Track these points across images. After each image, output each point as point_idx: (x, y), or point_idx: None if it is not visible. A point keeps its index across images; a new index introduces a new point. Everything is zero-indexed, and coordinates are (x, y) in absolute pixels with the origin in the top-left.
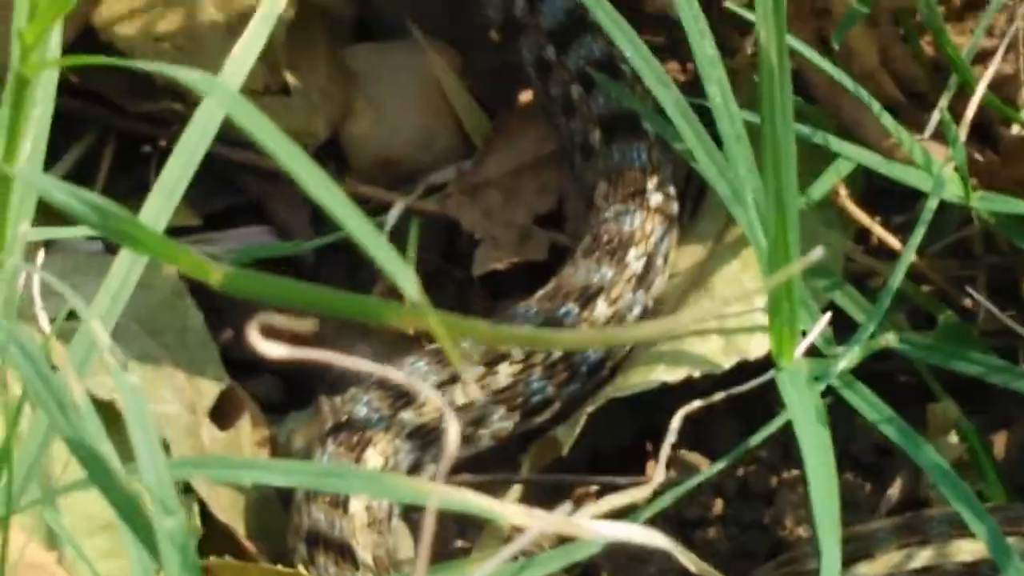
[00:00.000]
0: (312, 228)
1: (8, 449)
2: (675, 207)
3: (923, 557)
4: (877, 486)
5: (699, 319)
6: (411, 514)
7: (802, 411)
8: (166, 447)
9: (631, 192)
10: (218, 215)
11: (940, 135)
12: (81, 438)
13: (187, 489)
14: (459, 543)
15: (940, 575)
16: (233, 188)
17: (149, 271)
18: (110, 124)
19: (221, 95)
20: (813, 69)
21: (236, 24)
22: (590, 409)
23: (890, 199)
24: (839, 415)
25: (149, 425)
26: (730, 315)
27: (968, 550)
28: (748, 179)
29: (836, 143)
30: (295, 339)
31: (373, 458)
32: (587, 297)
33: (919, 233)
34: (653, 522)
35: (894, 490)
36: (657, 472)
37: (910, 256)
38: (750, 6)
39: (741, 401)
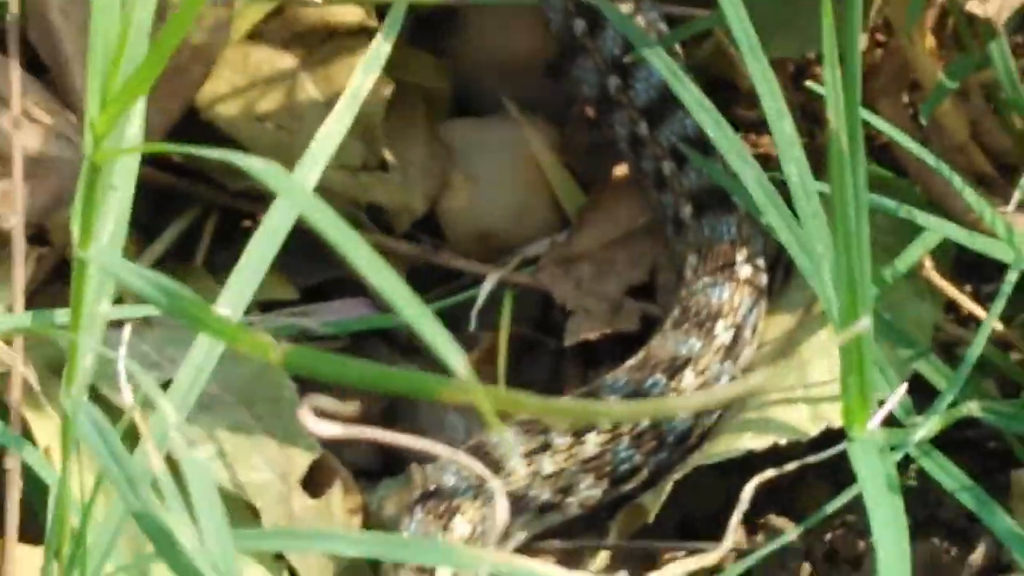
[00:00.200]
0: None
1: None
2: (764, 279)
3: None
4: (964, 551)
5: (782, 387)
6: None
7: (872, 481)
8: (256, 516)
9: (720, 265)
10: (316, 288)
11: None
12: (149, 512)
13: (279, 557)
14: None
15: None
16: (332, 261)
17: None
18: (212, 201)
19: (286, 186)
20: (902, 144)
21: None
22: (677, 476)
23: (982, 270)
24: (928, 480)
25: (216, 499)
26: (815, 384)
27: None
28: (825, 254)
29: (921, 216)
30: (357, 417)
31: (461, 526)
32: (675, 368)
33: (1001, 302)
34: None
35: (977, 555)
36: (728, 536)
37: (991, 324)
38: None
39: (832, 468)
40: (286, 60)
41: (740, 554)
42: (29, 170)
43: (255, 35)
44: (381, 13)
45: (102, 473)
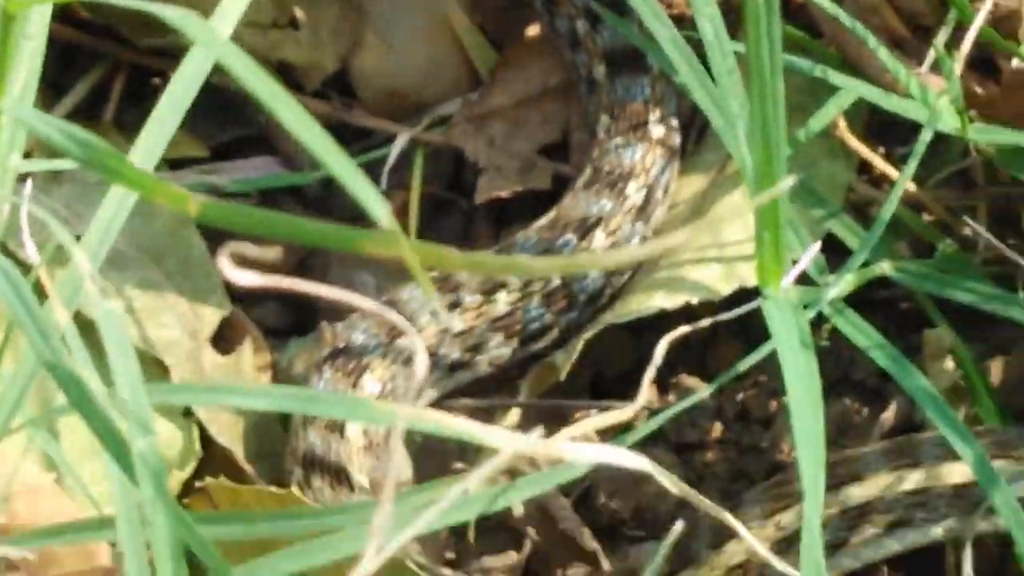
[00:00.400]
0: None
1: None
2: (677, 139)
3: (913, 480)
4: (876, 411)
5: (695, 246)
6: (410, 436)
7: (785, 338)
8: (166, 373)
9: (633, 125)
10: (226, 146)
11: (941, 69)
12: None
13: (188, 413)
14: (459, 465)
15: (930, 498)
16: (241, 119)
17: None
18: (120, 57)
19: (205, 35)
20: (817, 3)
21: None
22: (588, 335)
23: (895, 132)
24: (841, 341)
25: (129, 350)
26: (729, 244)
27: (959, 473)
28: (740, 112)
29: (836, 76)
30: (276, 268)
31: (370, 384)
32: (586, 228)
33: (913, 163)
34: (649, 445)
35: (889, 415)
36: (641, 394)
37: (903, 184)
38: None
39: (745, 327)
40: None
41: (651, 412)
42: None
43: None
44: None
45: (11, 325)
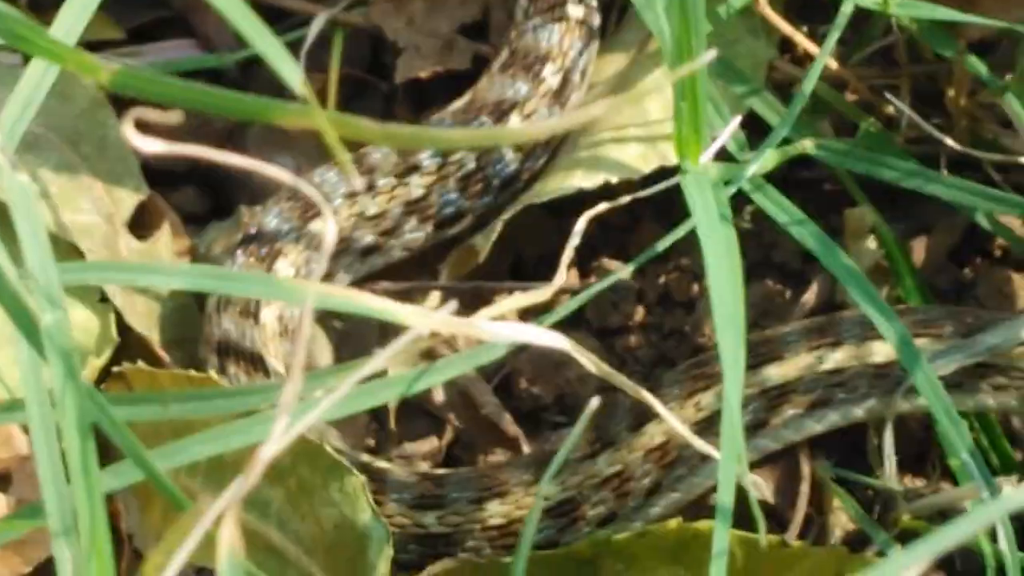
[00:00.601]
0: (237, 42)
1: None
2: (597, 19)
3: (834, 359)
4: (798, 292)
5: (615, 125)
6: (330, 323)
7: (705, 215)
8: (82, 256)
9: (551, 5)
10: (144, 29)
11: None
12: None
13: (104, 300)
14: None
15: (852, 377)
16: (159, 2)
17: (69, 82)
18: None
19: None
20: None
21: None
22: (506, 216)
23: (819, 10)
24: (763, 222)
25: (40, 225)
26: (649, 123)
27: (881, 352)
28: None
29: None
30: (179, 132)
31: (284, 269)
32: (501, 111)
33: (834, 36)
34: (572, 329)
35: (810, 295)
36: (559, 273)
37: (823, 60)
38: None
39: (668, 209)
40: None
41: (573, 294)
42: None
43: None
44: None
45: None
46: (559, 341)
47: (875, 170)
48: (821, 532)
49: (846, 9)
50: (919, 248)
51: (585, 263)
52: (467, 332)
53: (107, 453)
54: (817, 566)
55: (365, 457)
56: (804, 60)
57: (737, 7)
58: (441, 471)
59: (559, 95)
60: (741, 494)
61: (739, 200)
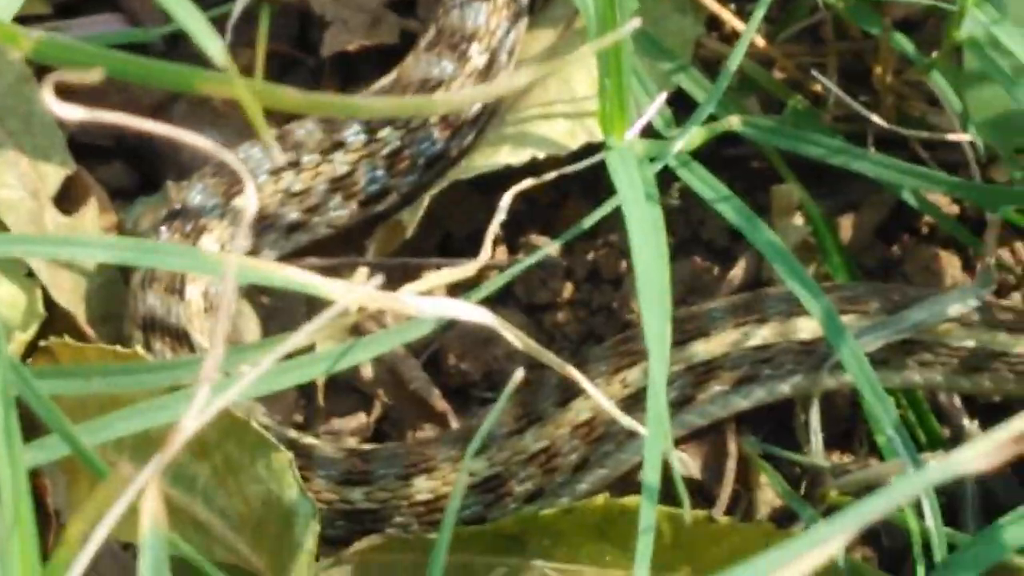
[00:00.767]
0: (165, 18)
1: None
2: None
3: (760, 336)
4: (726, 271)
5: (541, 101)
6: (258, 299)
7: (631, 191)
8: (8, 232)
9: None
10: (71, 4)
11: None
12: None
13: (31, 275)
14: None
15: (778, 353)
16: None
17: None
18: None
19: None
20: None
21: None
22: (434, 191)
23: None
24: (691, 199)
25: None
26: (576, 99)
27: (807, 328)
28: None
29: None
30: (101, 93)
31: (208, 245)
32: (427, 90)
33: (759, 14)
34: (500, 306)
35: (737, 272)
36: (484, 248)
37: (750, 35)
38: None
39: (595, 188)
40: None
41: (501, 271)
42: None
43: None
44: None
45: None
46: (485, 316)
47: (802, 147)
48: (748, 508)
49: None
50: (846, 225)
51: (513, 240)
52: (393, 307)
53: (33, 430)
54: (744, 542)
55: (292, 433)
56: (731, 38)
57: None
58: (368, 447)
59: (485, 74)
60: (668, 470)
61: (667, 178)
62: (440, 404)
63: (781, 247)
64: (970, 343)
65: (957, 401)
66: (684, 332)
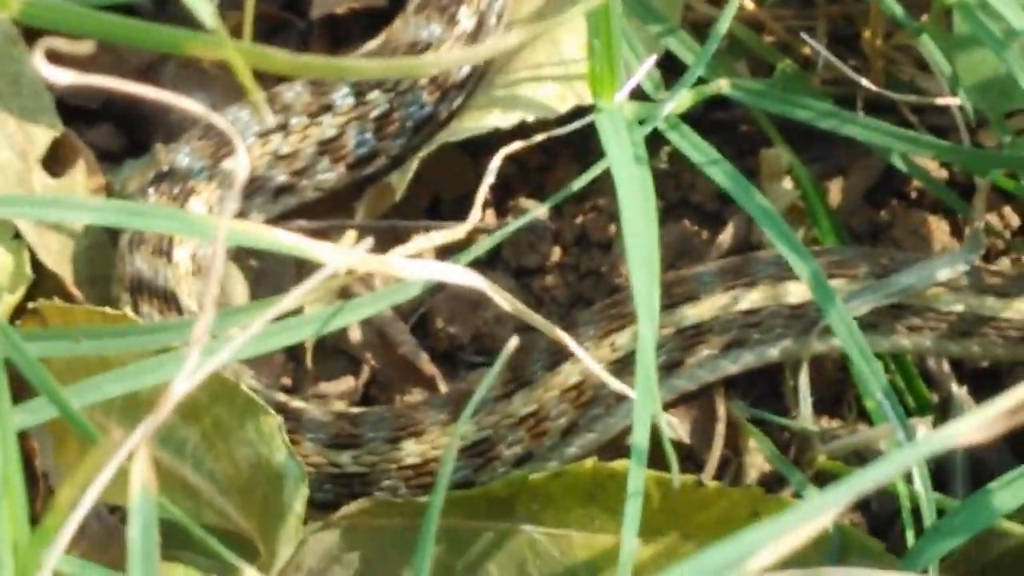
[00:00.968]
0: None
1: None
2: None
3: (750, 299)
4: (715, 234)
5: (531, 64)
6: (246, 262)
7: (620, 153)
8: None
9: None
10: None
11: None
12: None
13: (18, 236)
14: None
15: (767, 317)
16: None
17: None
18: None
19: None
20: None
21: None
22: (422, 155)
23: None
24: (681, 163)
25: None
26: (566, 62)
27: (796, 292)
28: None
29: None
30: (91, 63)
31: (197, 207)
32: (415, 53)
33: None
34: (488, 270)
35: (726, 236)
36: (474, 211)
37: None
38: None
39: (585, 151)
40: None
41: (490, 234)
42: None
43: None
44: None
45: None
46: (475, 280)
47: (791, 111)
48: (737, 473)
49: None
50: (835, 189)
51: (502, 203)
52: (383, 270)
53: (20, 392)
54: (732, 506)
55: (281, 396)
56: (720, 0)
57: None
58: (357, 410)
59: (474, 38)
60: (657, 435)
61: (656, 142)
62: (428, 368)
63: (771, 211)
64: (959, 308)
65: (946, 366)
66: (673, 296)
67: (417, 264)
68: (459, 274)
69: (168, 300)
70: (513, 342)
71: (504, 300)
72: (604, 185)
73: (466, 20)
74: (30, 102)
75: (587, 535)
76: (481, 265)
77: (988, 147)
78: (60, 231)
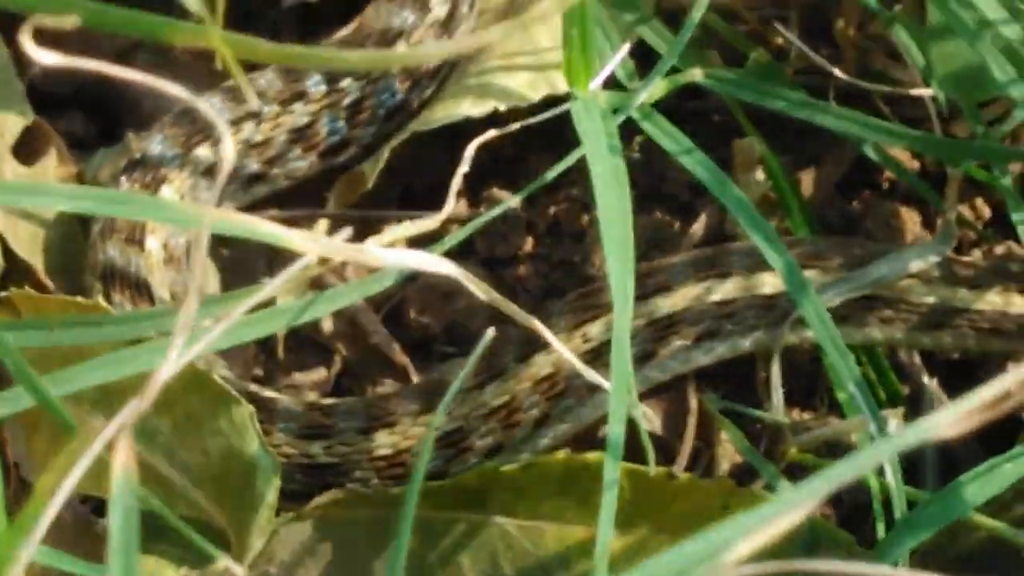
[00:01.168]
0: None
1: None
2: None
3: (723, 290)
4: (688, 225)
5: (504, 53)
6: (217, 250)
7: (594, 142)
8: None
9: None
10: None
11: None
12: None
13: None
14: (266, 280)
15: (740, 308)
16: None
17: None
18: None
19: None
20: None
21: None
22: (395, 143)
23: None
24: (653, 154)
25: None
26: (539, 51)
27: (769, 283)
28: None
29: None
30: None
31: (168, 195)
32: (388, 40)
33: None
34: (461, 260)
35: (699, 226)
36: (448, 201)
37: None
38: None
39: (557, 141)
40: None
41: (462, 224)
42: None
43: None
44: None
45: None
46: (450, 268)
47: (764, 100)
48: (709, 464)
49: None
50: (807, 180)
51: (475, 193)
52: (356, 258)
53: None
54: (704, 498)
55: (253, 387)
56: None
57: None
58: (329, 401)
59: (447, 25)
60: (629, 426)
61: (629, 131)
62: (400, 358)
63: (744, 201)
64: (931, 299)
65: (917, 358)
66: (645, 287)
67: (392, 253)
68: (434, 263)
69: (140, 289)
70: (490, 333)
71: (479, 289)
72: (577, 175)
73: (438, 7)
74: (1, 90)
75: (559, 527)
76: (453, 255)
77: (961, 137)
78: (31, 220)
